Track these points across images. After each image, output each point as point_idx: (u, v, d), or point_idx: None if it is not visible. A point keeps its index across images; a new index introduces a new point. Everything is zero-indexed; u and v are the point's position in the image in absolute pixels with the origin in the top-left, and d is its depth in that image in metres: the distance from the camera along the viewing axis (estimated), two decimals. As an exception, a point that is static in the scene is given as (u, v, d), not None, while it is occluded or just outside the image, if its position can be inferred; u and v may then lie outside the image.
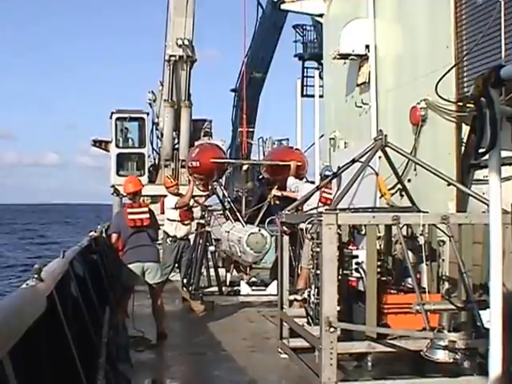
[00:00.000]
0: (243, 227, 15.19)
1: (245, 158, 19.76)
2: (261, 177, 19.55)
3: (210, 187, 17.10)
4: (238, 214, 16.08)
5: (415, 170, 10.85)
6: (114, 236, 12.02)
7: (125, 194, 12.59)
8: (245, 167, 18.69)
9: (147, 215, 11.66)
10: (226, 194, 17.26)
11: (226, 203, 16.98)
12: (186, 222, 16.20)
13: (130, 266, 11.66)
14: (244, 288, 15.49)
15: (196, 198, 17.61)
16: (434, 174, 9.07)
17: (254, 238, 14.19)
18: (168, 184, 16.27)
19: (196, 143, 25.40)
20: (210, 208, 16.93)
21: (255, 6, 29.91)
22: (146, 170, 25.83)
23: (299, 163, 15.62)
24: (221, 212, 17.18)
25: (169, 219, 16.42)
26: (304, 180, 16.01)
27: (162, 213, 17.04)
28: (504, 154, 5.09)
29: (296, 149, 17.57)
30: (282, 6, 17.54)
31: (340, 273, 8.10)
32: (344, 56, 13.58)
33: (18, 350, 3.30)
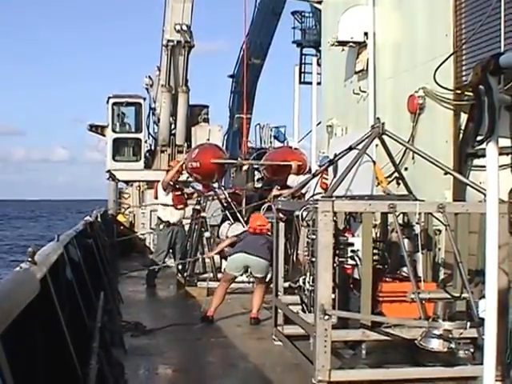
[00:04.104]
0: (244, 227, 15.12)
1: (245, 158, 19.69)
2: (259, 177, 19.43)
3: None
4: (238, 214, 16.04)
5: (413, 158, 10.82)
6: None
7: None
8: (245, 167, 18.60)
9: None
10: (227, 194, 17.23)
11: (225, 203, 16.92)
12: (179, 207, 16.22)
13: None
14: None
15: (190, 189, 17.63)
16: (431, 162, 9.04)
17: None
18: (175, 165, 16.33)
19: (193, 128, 25.42)
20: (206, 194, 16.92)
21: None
22: (143, 156, 25.81)
23: (300, 163, 15.59)
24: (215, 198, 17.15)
25: (162, 204, 16.45)
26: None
27: (156, 198, 17.07)
28: (501, 143, 5.07)
29: (295, 148, 17.56)
30: (281, -8, 17.51)
31: (335, 260, 8.08)
32: (342, 43, 13.52)
33: (10, 333, 3.27)
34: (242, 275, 12.53)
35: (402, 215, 8.72)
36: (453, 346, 7.07)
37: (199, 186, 17.91)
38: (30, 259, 4.35)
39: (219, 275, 15.09)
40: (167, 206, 16.26)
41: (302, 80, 26.01)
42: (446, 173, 9.23)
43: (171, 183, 16.30)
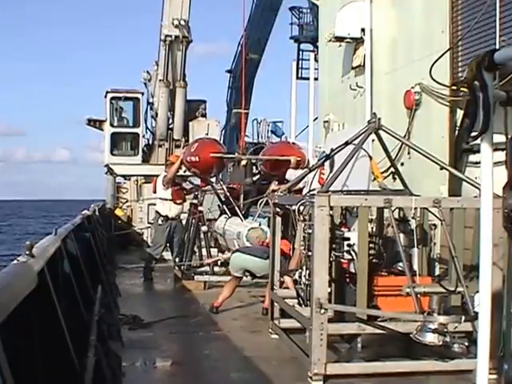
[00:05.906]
0: (242, 222, 15.15)
1: (243, 153, 19.65)
2: (257, 172, 19.41)
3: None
4: (236, 208, 16.08)
5: (408, 153, 10.87)
6: None
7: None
8: (243, 162, 18.59)
9: None
10: (225, 188, 17.25)
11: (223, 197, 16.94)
12: (177, 202, 16.25)
13: None
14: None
15: (188, 184, 17.63)
16: (427, 157, 9.08)
17: (254, 233, 14.05)
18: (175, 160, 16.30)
19: (190, 123, 25.43)
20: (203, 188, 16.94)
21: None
22: (140, 150, 25.82)
23: (299, 158, 15.61)
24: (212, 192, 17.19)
25: (161, 198, 16.47)
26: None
27: (155, 192, 17.09)
28: (496, 139, 5.10)
29: (293, 143, 17.57)
30: (279, -13, 17.52)
31: (331, 254, 8.12)
32: (339, 39, 13.56)
33: (8, 325, 3.29)
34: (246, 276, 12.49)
35: (397, 210, 8.75)
36: (447, 339, 7.10)
37: (197, 181, 17.92)
38: (27, 252, 4.38)
39: (216, 269, 15.16)
40: (166, 200, 16.28)
41: (300, 75, 26.08)
42: (442, 168, 9.26)
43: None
